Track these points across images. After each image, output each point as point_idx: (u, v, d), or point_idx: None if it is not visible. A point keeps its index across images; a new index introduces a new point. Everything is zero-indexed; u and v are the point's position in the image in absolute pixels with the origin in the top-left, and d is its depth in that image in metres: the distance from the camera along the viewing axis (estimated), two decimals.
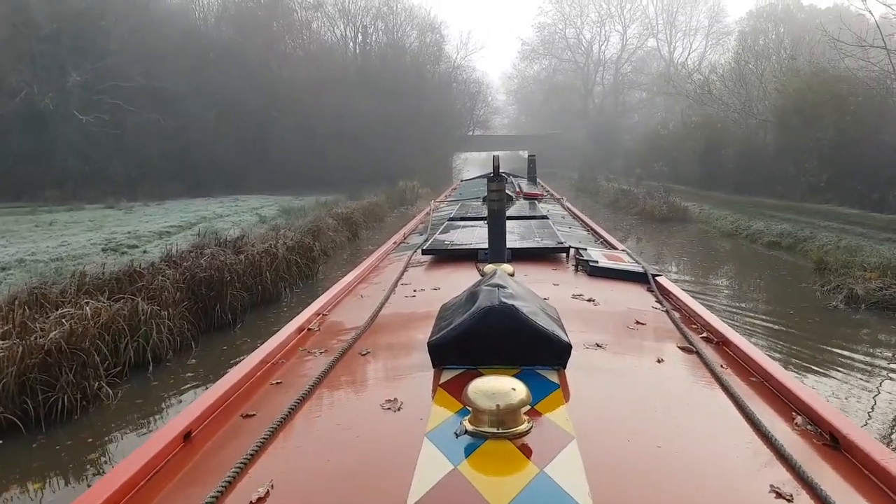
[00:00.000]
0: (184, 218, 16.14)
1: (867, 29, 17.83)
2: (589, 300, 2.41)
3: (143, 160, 24.46)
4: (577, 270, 3.04)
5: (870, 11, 17.82)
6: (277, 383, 1.69)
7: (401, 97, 31.75)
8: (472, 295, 1.62)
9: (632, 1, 52.86)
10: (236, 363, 1.81)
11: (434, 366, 1.54)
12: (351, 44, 37.79)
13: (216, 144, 26.14)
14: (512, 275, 2.14)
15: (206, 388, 2.08)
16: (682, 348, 1.89)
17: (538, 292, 1.95)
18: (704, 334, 2.08)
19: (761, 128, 24.35)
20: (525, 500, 1.00)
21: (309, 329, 2.22)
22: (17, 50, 22.83)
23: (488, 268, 2.29)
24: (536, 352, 1.49)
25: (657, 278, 2.80)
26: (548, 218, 4.75)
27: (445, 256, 3.37)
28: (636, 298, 2.56)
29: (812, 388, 2.05)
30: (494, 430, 1.15)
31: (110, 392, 5.39)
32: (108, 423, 5.17)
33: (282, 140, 27.67)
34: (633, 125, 44.78)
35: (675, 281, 4.30)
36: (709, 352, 1.85)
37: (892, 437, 5.07)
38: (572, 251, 3.34)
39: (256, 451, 1.22)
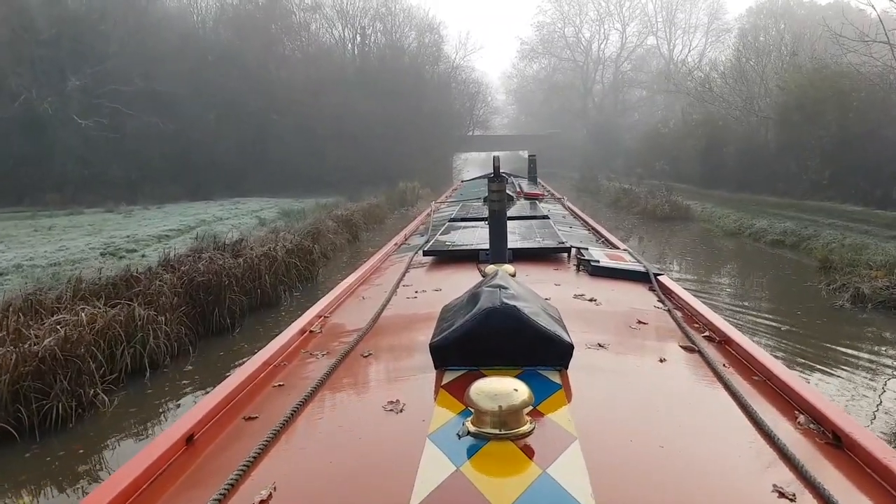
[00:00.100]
0: (183, 221, 16.07)
1: (869, 24, 17.73)
2: (591, 300, 2.40)
3: (142, 163, 24.43)
4: (578, 270, 3.03)
5: (872, 6, 17.68)
6: (280, 385, 1.69)
7: (400, 97, 31.69)
8: (473, 296, 1.62)
9: None
10: (236, 367, 1.82)
11: (436, 367, 1.53)
12: (349, 45, 37.75)
13: (216, 147, 26.10)
14: (513, 275, 2.14)
15: (206, 392, 2.05)
16: (685, 348, 1.88)
17: (540, 292, 1.94)
18: (707, 333, 2.07)
19: (763, 125, 24.23)
20: (528, 501, 1.00)
21: (311, 331, 2.22)
22: (17, 54, 22.80)
23: (490, 268, 2.30)
24: (538, 352, 1.49)
25: (659, 277, 2.79)
26: (549, 218, 4.75)
27: (447, 257, 3.36)
28: (638, 298, 2.55)
29: (815, 387, 2.00)
30: (497, 431, 1.14)
31: (106, 399, 5.31)
32: (104, 431, 5.09)
33: (281, 141, 27.64)
34: (634, 124, 44.70)
35: (679, 281, 4.23)
36: (711, 351, 1.84)
37: None
38: (574, 251, 3.33)
39: (259, 453, 1.22)
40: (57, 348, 5.08)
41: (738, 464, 1.20)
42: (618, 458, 1.17)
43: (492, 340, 1.48)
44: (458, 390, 1.36)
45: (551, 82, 54.78)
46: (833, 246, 12.01)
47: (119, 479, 1.16)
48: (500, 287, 1.58)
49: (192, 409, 1.47)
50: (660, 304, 2.43)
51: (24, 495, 4.24)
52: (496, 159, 2.72)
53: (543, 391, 1.37)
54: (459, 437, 1.15)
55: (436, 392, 1.43)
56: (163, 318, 6.44)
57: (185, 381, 6.17)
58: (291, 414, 1.39)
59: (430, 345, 1.54)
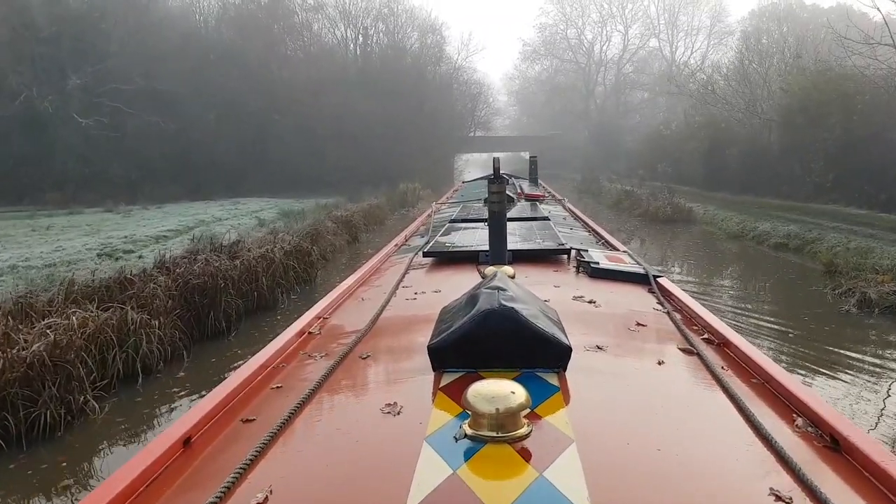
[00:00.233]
0: (182, 222, 15.96)
1: (873, 27, 17.61)
2: (590, 302, 2.40)
3: (143, 163, 24.33)
4: (578, 272, 3.03)
5: (877, 8, 17.54)
6: (278, 387, 1.68)
7: (401, 98, 31.60)
8: (472, 298, 1.62)
9: (633, 1, 52.73)
10: (233, 370, 1.76)
11: (434, 369, 1.53)
12: (352, 45, 37.64)
13: (216, 146, 26.01)
14: (513, 277, 2.14)
15: (200, 397, 2.01)
16: (683, 350, 1.87)
17: (539, 294, 1.94)
18: (705, 336, 2.06)
19: (766, 127, 24.09)
20: None
21: (310, 333, 2.22)
22: (18, 52, 22.72)
23: (489, 270, 2.30)
24: (536, 354, 1.49)
25: (658, 279, 2.79)
26: (549, 219, 4.76)
27: (446, 258, 3.36)
28: (637, 300, 2.55)
29: (812, 390, 1.94)
30: (494, 433, 1.14)
31: (96, 406, 5.18)
32: (93, 439, 4.97)
33: (281, 141, 27.56)
34: (636, 125, 44.59)
35: (681, 284, 4.12)
36: (710, 353, 1.84)
37: None
38: (573, 253, 3.33)
39: (256, 456, 1.22)
40: (45, 354, 4.95)
41: (735, 467, 1.19)
42: (615, 461, 1.16)
43: (490, 342, 1.47)
44: (455, 392, 1.35)
45: (553, 84, 54.68)
46: (838, 249, 11.87)
47: (116, 482, 1.15)
48: (499, 289, 1.57)
49: (190, 412, 1.46)
50: (659, 307, 2.43)
51: None
52: (496, 161, 2.73)
53: (541, 393, 1.36)
54: (456, 439, 1.15)
55: (434, 394, 1.43)
56: (156, 322, 6.32)
57: (178, 387, 6.04)
58: (289, 416, 1.38)
59: (429, 347, 1.54)
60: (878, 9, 17.60)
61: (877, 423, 5.23)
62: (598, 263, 2.98)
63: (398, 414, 1.36)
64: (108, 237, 13.24)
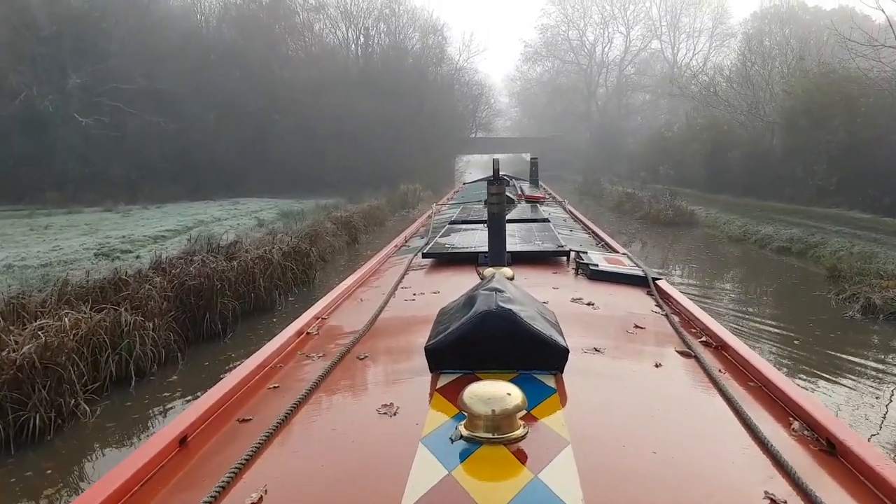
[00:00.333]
0: (181, 222, 15.89)
1: (876, 29, 17.52)
2: (588, 304, 2.41)
3: (143, 162, 24.28)
4: (577, 274, 3.03)
5: (882, 10, 17.45)
6: (275, 387, 1.68)
7: (401, 98, 31.53)
8: (469, 299, 1.61)
9: (635, 3, 52.68)
10: (229, 371, 1.73)
11: (431, 370, 1.53)
12: (353, 46, 37.60)
13: (216, 146, 25.96)
14: (511, 278, 2.14)
15: (197, 396, 1.99)
16: (681, 353, 1.87)
17: (537, 296, 1.94)
18: (703, 338, 2.07)
19: (769, 130, 24.01)
20: None
21: (308, 333, 2.23)
22: (18, 52, 22.68)
23: (488, 271, 2.31)
24: (534, 356, 1.48)
25: (658, 282, 2.79)
26: (549, 221, 4.75)
27: (446, 260, 3.36)
28: (636, 302, 2.56)
29: (809, 393, 1.90)
30: (489, 435, 1.14)
31: (87, 410, 5.09)
32: (83, 444, 4.88)
33: (281, 141, 27.49)
34: (637, 127, 44.53)
35: (683, 288, 4.03)
36: (707, 356, 1.83)
37: None
38: (573, 254, 3.32)
39: (251, 455, 1.22)
40: (36, 356, 4.86)
41: (730, 470, 1.19)
42: (610, 463, 1.17)
43: (487, 344, 1.47)
44: (452, 394, 1.35)
45: (554, 85, 54.62)
46: (841, 254, 11.76)
47: (111, 481, 1.15)
48: (497, 290, 1.57)
49: (186, 411, 1.46)
50: (657, 309, 2.43)
51: None
52: (496, 162, 2.72)
53: (538, 395, 1.36)
54: (452, 441, 1.15)
55: (430, 395, 1.43)
56: (151, 324, 6.22)
57: (170, 391, 5.95)
58: (285, 416, 1.39)
59: (426, 348, 1.54)
60: (881, 10, 17.53)
61: (879, 429, 5.20)
62: (597, 265, 2.97)
63: (394, 415, 1.36)
64: (106, 237, 13.17)
